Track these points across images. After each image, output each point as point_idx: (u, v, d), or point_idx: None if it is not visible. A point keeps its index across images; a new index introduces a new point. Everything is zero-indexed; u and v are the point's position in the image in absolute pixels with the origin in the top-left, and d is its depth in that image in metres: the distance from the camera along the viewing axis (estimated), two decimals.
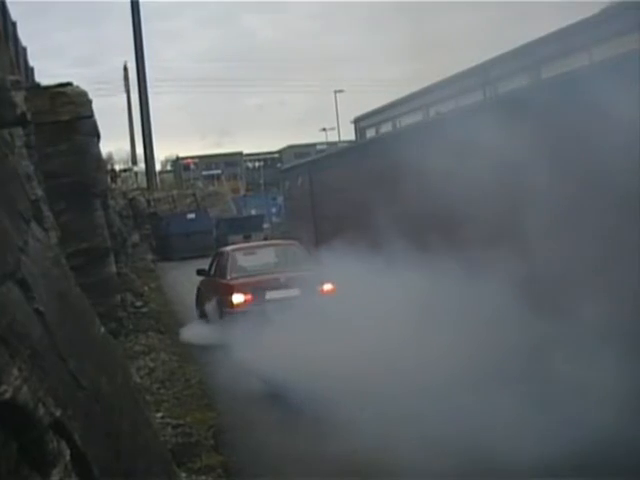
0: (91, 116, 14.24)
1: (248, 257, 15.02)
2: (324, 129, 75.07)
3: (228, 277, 14.13)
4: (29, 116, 9.85)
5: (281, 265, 14.37)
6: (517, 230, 10.62)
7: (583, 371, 7.19)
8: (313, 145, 75.90)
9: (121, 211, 31.81)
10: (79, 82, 14.22)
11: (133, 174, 63.08)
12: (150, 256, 35.40)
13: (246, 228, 35.13)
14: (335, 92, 71.86)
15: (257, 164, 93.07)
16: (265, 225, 41.75)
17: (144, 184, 55.60)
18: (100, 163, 16.67)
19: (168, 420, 8.44)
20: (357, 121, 57.07)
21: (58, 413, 2.73)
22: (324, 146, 67.33)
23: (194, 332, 14.10)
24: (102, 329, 4.01)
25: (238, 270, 14.36)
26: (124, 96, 66.94)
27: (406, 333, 9.23)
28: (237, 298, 13.32)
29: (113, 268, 14.39)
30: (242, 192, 65.88)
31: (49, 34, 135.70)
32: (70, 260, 6.99)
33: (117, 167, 58.05)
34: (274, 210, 50.73)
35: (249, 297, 13.27)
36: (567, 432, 6.17)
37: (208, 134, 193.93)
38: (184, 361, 11.99)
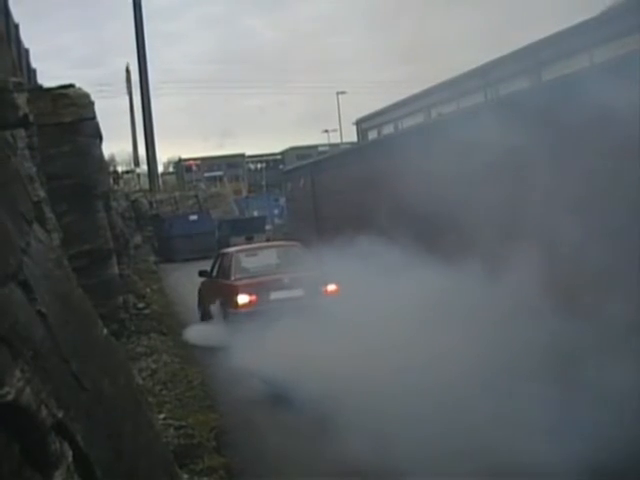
0: (93, 118, 14.24)
1: (251, 258, 15.03)
2: (326, 131, 75.06)
3: (232, 278, 14.14)
4: (31, 118, 9.87)
5: (284, 266, 14.37)
6: (518, 230, 10.63)
7: (612, 372, 7.10)
8: (315, 147, 75.92)
9: (123, 213, 31.81)
10: (81, 84, 14.22)
11: (135, 176, 63.16)
12: (152, 258, 35.41)
13: (248, 230, 35.07)
14: (337, 94, 71.85)
15: (259, 166, 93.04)
16: (267, 227, 41.74)
17: (146, 186, 55.67)
18: (102, 165, 16.66)
19: (170, 421, 8.43)
20: (359, 123, 57.12)
21: (60, 415, 2.74)
22: (326, 148, 67.31)
23: (198, 333, 14.11)
24: (104, 331, 4.02)
25: (242, 271, 14.37)
26: (126, 98, 67.04)
27: (411, 332, 9.22)
28: (242, 299, 13.34)
29: (115, 270, 14.39)
30: (244, 194, 65.87)
31: (51, 36, 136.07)
32: (72, 262, 6.98)
33: (119, 169, 58.31)
34: (276, 212, 50.75)
35: (254, 298, 13.29)
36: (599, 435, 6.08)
37: (210, 136, 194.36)
38: (186, 363, 11.98)
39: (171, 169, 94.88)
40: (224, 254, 15.81)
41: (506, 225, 11.03)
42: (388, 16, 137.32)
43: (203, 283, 16.48)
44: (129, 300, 16.57)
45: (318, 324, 10.31)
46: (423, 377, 7.86)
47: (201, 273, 16.24)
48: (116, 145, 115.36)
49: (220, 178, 76.54)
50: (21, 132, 9.04)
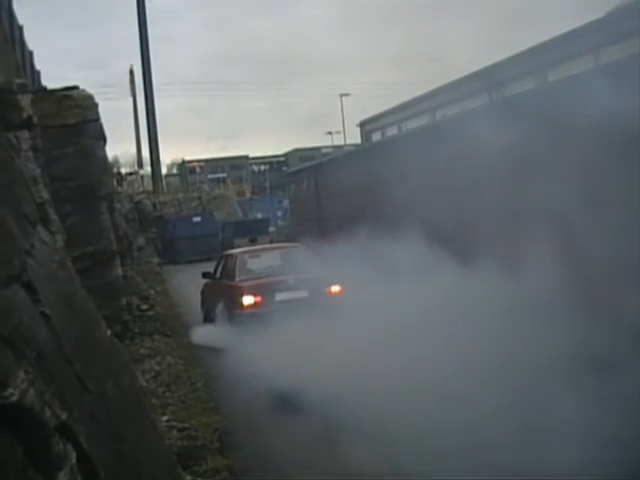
0: (97, 119, 14.26)
1: (255, 259, 15.08)
2: (330, 132, 75.11)
3: (237, 279, 14.18)
4: (35, 119, 9.90)
5: (288, 267, 14.38)
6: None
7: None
8: (319, 149, 76.00)
9: (127, 214, 31.84)
10: (85, 85, 14.24)
11: (139, 177, 63.17)
12: (156, 259, 35.47)
13: (252, 231, 35.01)
14: (341, 95, 71.87)
15: (263, 167, 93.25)
16: (271, 228, 41.77)
17: (150, 187, 55.69)
18: (106, 166, 16.68)
19: (174, 423, 8.43)
20: (363, 124, 57.06)
21: (64, 416, 2.74)
22: (330, 150, 67.37)
23: (202, 335, 14.13)
24: (108, 332, 4.01)
25: (246, 272, 14.41)
26: (130, 99, 67.35)
27: (414, 332, 9.22)
28: (247, 300, 13.40)
29: (119, 271, 14.39)
30: (248, 195, 65.95)
31: (56, 38, 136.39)
32: (76, 263, 6.99)
33: (123, 170, 58.34)
34: (280, 213, 50.80)
35: (259, 299, 13.35)
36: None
37: (214, 137, 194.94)
38: (190, 364, 11.98)
39: (175, 171, 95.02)
40: (228, 255, 15.84)
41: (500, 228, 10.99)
42: (393, 18, 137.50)
43: (206, 284, 16.51)
44: (133, 302, 16.59)
45: (323, 325, 10.34)
46: (430, 375, 7.83)
47: (204, 275, 16.30)
48: (120, 147, 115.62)
49: (224, 180, 76.60)
50: (25, 134, 9.05)
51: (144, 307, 17.81)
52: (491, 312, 9.16)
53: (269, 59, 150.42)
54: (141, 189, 55.80)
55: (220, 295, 14.71)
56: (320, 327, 10.34)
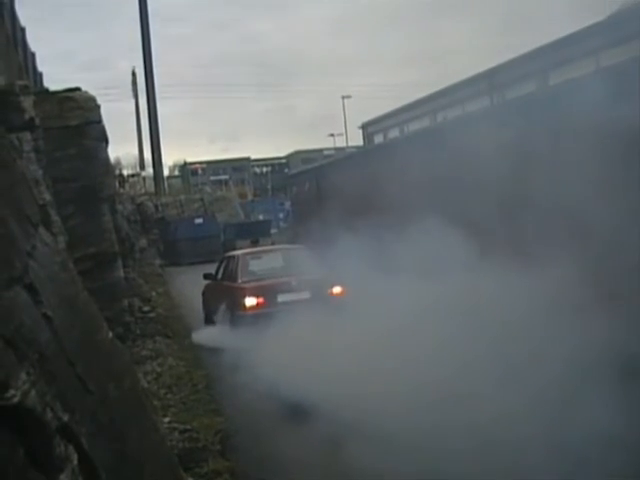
0: (99, 121, 14.27)
1: (257, 261, 15.09)
2: (332, 134, 75.13)
3: (239, 281, 14.19)
4: (37, 121, 9.91)
5: (290, 268, 14.39)
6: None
7: None
8: (320, 150, 75.96)
9: (129, 216, 31.87)
10: (87, 87, 14.25)
11: (141, 179, 63.15)
12: (158, 261, 35.45)
13: (254, 233, 35.12)
14: (343, 97, 71.89)
15: (264, 169, 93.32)
16: (273, 230, 41.76)
17: (152, 189, 55.72)
18: (108, 168, 16.70)
19: (175, 425, 8.43)
20: (365, 126, 57.12)
21: (66, 417, 2.74)
22: (332, 151, 67.37)
23: (204, 336, 14.15)
24: (110, 334, 4.02)
25: (248, 274, 14.42)
26: (132, 101, 67.28)
27: (414, 333, 9.20)
28: (250, 301, 13.41)
29: (121, 273, 14.40)
30: (250, 197, 65.95)
31: (58, 39, 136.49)
32: (78, 265, 7.00)
33: (125, 172, 58.23)
34: (281, 215, 50.79)
35: (261, 300, 13.37)
36: None
37: (216, 139, 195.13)
38: (191, 366, 11.99)
39: (177, 172, 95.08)
40: (230, 257, 15.85)
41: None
42: (395, 19, 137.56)
43: (207, 286, 16.52)
44: (134, 303, 16.60)
45: (325, 326, 10.35)
46: (430, 377, 7.81)
47: (206, 276, 16.35)
48: (122, 148, 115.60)
49: (225, 182, 76.56)
50: (27, 135, 9.07)
51: (146, 309, 17.82)
52: (491, 314, 9.10)
53: (271, 61, 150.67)
54: (143, 191, 55.80)
55: (222, 296, 14.71)
56: (322, 328, 10.35)
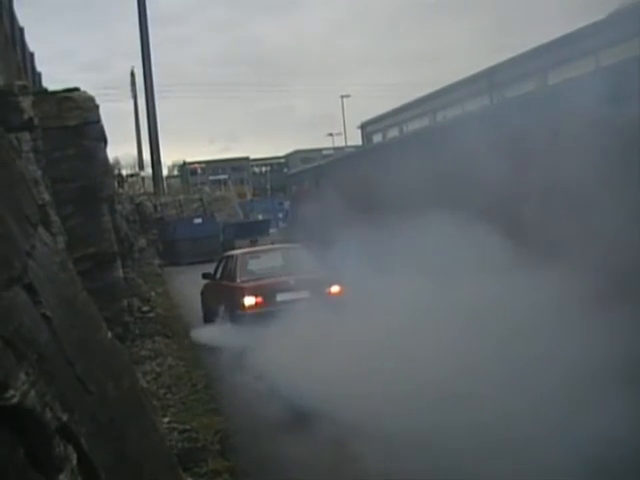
0: (98, 121, 14.27)
1: (255, 260, 15.13)
2: (331, 134, 75.09)
3: (238, 280, 14.25)
4: (36, 121, 9.92)
5: (288, 268, 14.43)
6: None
7: None
8: (319, 150, 75.94)
9: (128, 216, 31.86)
10: (86, 87, 14.26)
11: (140, 179, 63.11)
12: (157, 261, 35.46)
13: (253, 233, 35.07)
14: (342, 97, 71.86)
15: (263, 169, 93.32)
16: (272, 230, 41.75)
17: (151, 189, 55.70)
18: (107, 168, 16.69)
19: (174, 425, 8.43)
20: (364, 126, 57.12)
21: (65, 418, 2.74)
22: (331, 151, 67.37)
23: (203, 335, 14.18)
24: (109, 334, 4.02)
25: (247, 273, 14.47)
26: (131, 101, 67.24)
27: (413, 333, 9.20)
28: (249, 300, 13.47)
29: (120, 273, 14.40)
30: (249, 197, 65.95)
31: (57, 39, 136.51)
32: (77, 265, 7.00)
33: (124, 172, 58.28)
34: (281, 215, 50.76)
35: (260, 299, 13.42)
36: None
37: (215, 139, 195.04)
38: (190, 366, 11.99)
39: (176, 172, 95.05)
40: (229, 257, 15.88)
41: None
42: (394, 19, 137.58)
43: (206, 285, 16.56)
44: (133, 303, 16.61)
45: (324, 325, 10.38)
46: (428, 378, 7.80)
47: (204, 275, 16.41)
48: (121, 148, 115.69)
49: (225, 181, 76.54)
50: (26, 135, 9.08)
51: (145, 309, 17.82)
52: (490, 314, 9.09)
53: (270, 60, 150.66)
54: (142, 191, 55.76)
55: (221, 296, 14.76)
56: (321, 327, 10.38)
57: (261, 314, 12.65)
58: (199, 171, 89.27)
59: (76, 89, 13.95)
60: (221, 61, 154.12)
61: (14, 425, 2.44)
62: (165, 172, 72.48)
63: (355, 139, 64.19)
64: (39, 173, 9.34)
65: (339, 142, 71.99)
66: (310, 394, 8.54)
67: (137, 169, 67.63)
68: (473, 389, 7.37)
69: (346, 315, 10.89)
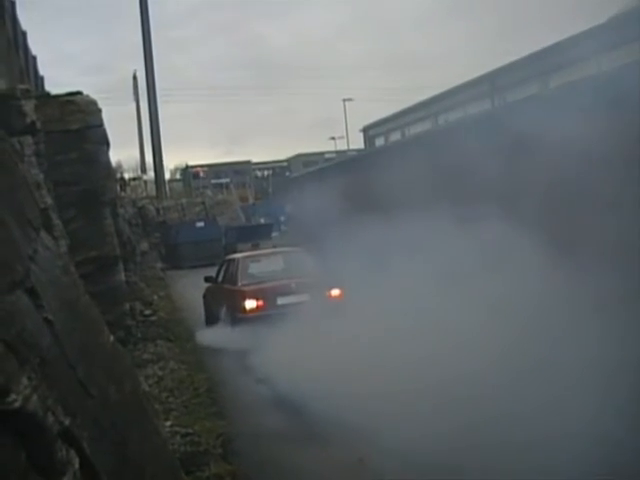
0: (101, 125, 14.27)
1: (256, 264, 15.22)
2: (333, 138, 75.14)
3: (239, 284, 14.36)
4: (39, 125, 9.92)
5: (289, 271, 14.54)
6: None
7: None
8: (322, 154, 75.94)
9: (130, 219, 31.90)
10: (89, 91, 14.25)
11: (142, 182, 63.20)
12: (159, 264, 35.44)
13: (255, 236, 35.03)
14: (344, 100, 71.90)
15: (266, 173, 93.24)
16: (274, 233, 41.74)
17: (153, 192, 55.69)
18: (109, 171, 16.67)
19: (177, 429, 8.41)
20: (366, 130, 57.17)
21: (67, 422, 2.74)
22: (333, 155, 67.38)
23: (206, 338, 14.24)
24: (111, 337, 4.02)
25: (249, 277, 14.58)
26: (134, 105, 67.21)
27: (413, 334, 9.21)
28: (250, 304, 13.58)
29: (122, 276, 14.40)
30: (251, 200, 65.92)
31: (59, 43, 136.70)
32: (79, 268, 6.99)
33: (126, 175, 58.30)
34: (283, 219, 50.74)
35: (261, 303, 13.56)
36: None
37: (218, 142, 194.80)
38: (193, 369, 11.98)
39: (178, 176, 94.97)
40: (230, 260, 15.99)
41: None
42: (396, 23, 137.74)
43: (208, 289, 16.67)
44: (136, 307, 16.61)
45: (324, 328, 10.42)
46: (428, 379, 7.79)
47: (207, 279, 16.54)
48: (123, 152, 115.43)
49: (227, 185, 76.51)
50: (28, 139, 9.08)
51: (147, 312, 17.81)
52: (490, 314, 9.07)
53: (272, 64, 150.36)
54: (144, 194, 55.82)
55: (223, 299, 14.87)
56: (321, 330, 10.41)
57: (262, 317, 12.81)
58: (201, 175, 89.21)
59: (78, 93, 13.95)
60: (223, 65, 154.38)
61: (16, 429, 2.44)
62: (167, 176, 72.40)
63: (357, 143, 64.34)
64: (41, 177, 9.34)
65: (341, 146, 72.16)
66: (311, 396, 8.54)
67: (139, 172, 67.68)
68: (472, 392, 7.37)
69: (346, 318, 10.93)
